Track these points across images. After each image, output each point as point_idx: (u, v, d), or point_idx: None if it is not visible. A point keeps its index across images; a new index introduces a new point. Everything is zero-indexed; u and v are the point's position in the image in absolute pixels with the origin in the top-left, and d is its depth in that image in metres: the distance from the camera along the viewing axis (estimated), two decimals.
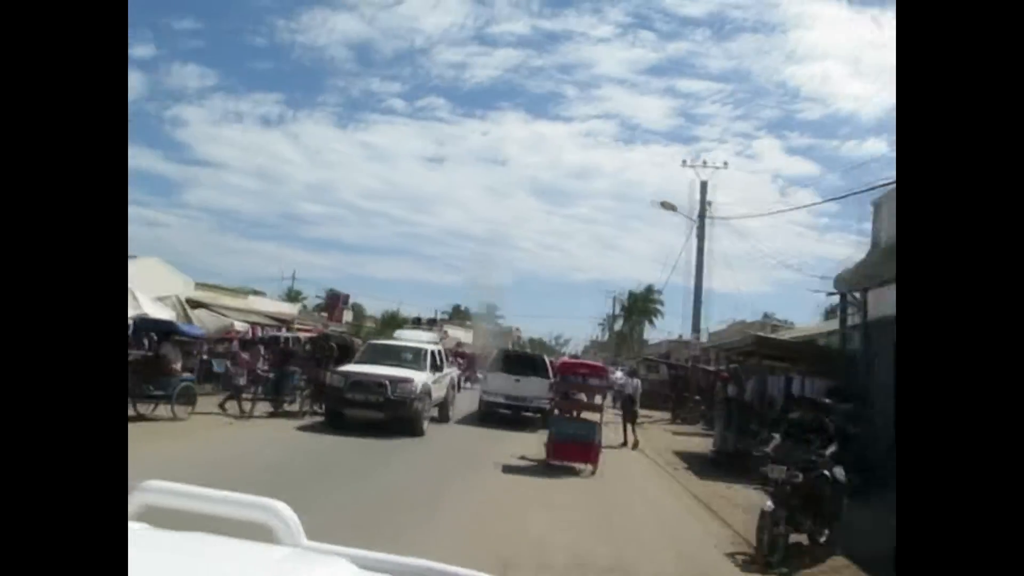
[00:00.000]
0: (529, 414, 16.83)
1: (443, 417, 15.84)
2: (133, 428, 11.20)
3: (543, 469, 10.98)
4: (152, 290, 16.53)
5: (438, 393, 15.08)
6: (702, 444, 16.14)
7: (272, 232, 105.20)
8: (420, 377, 13.81)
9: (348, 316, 41.21)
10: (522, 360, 19.48)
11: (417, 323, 35.98)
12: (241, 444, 11.20)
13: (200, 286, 23.11)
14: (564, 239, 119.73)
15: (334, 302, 40.78)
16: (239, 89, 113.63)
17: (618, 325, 74.09)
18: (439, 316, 76.57)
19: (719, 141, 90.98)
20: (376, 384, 13.14)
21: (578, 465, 10.94)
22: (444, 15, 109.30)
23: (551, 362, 19.58)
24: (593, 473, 10.84)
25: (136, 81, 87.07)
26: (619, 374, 33.79)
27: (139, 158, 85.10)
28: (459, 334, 58.78)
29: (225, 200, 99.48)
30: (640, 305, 68.77)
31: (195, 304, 19.50)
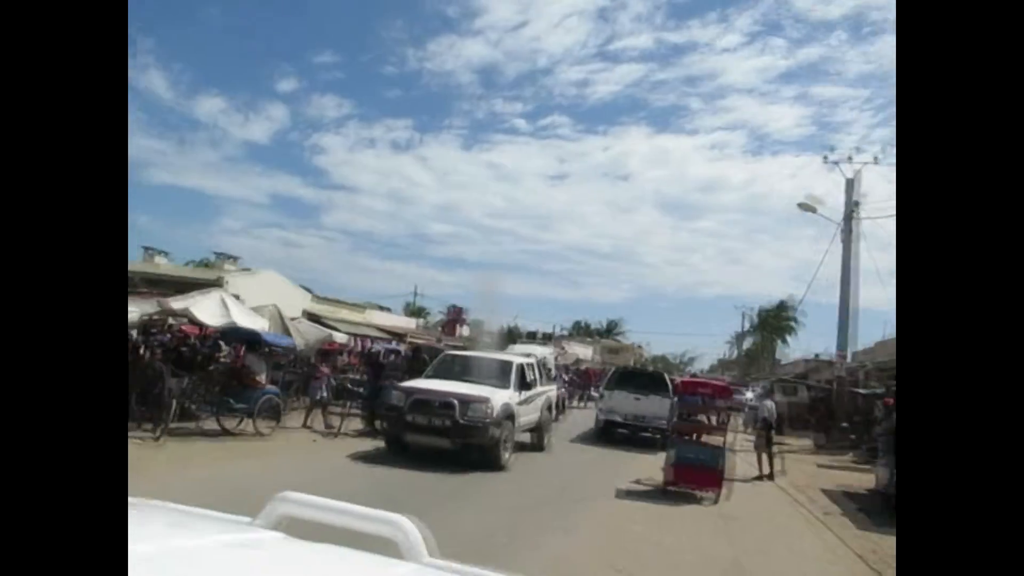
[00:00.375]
0: (648, 434, 16.11)
1: (538, 444, 13.34)
2: (210, 444, 10.59)
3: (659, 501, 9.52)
4: (269, 301, 16.50)
5: (528, 416, 12.40)
6: (856, 480, 13.56)
7: (403, 252, 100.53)
8: (500, 396, 11.02)
9: (466, 331, 40.99)
10: (642, 378, 18.60)
11: (532, 337, 34.77)
12: (303, 470, 9.63)
13: (318, 299, 23.30)
14: (690, 253, 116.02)
15: (454, 316, 40.64)
16: (372, 116, 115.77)
17: (748, 343, 69.59)
18: (559, 331, 76.86)
19: (857, 149, 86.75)
20: (442, 404, 10.48)
21: (699, 492, 10.12)
22: (566, 35, 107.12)
23: (672, 380, 18.10)
24: (716, 502, 9.94)
25: (280, 113, 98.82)
26: (750, 395, 31.06)
27: (283, 183, 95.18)
28: (578, 350, 57.28)
29: (359, 222, 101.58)
30: (772, 321, 64.15)
31: (312, 317, 19.46)
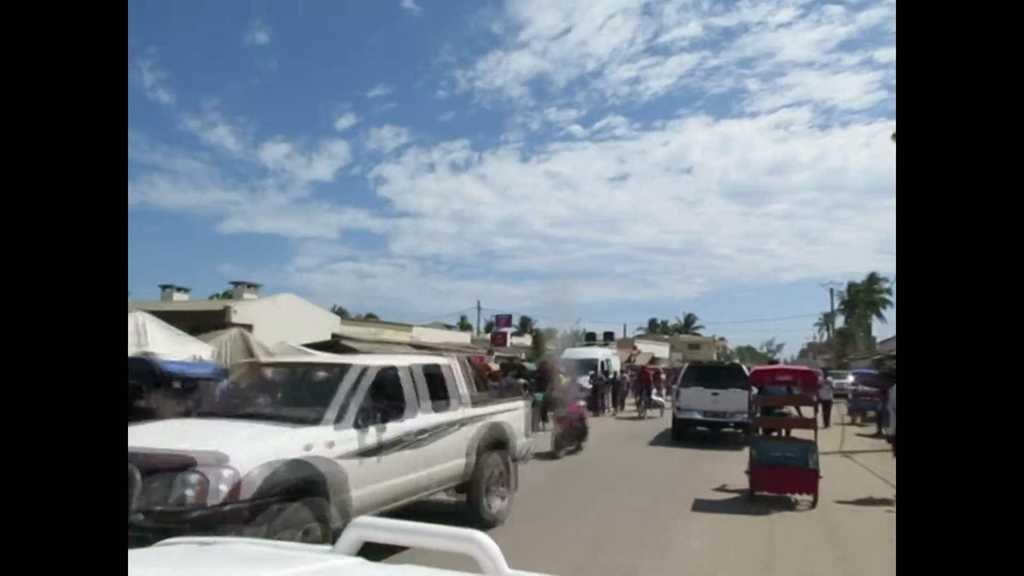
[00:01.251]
0: (730, 430, 15.39)
1: (474, 511, 6.98)
2: None
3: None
4: (288, 327, 15.39)
5: (398, 475, 5.88)
6: None
7: (471, 270, 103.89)
8: (261, 450, 4.71)
9: (525, 339, 39.03)
10: (718, 371, 17.17)
11: (591, 338, 32.85)
12: None
13: (351, 321, 22.13)
14: (764, 240, 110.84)
15: (503, 325, 37.88)
16: (429, 141, 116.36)
17: (840, 323, 64.73)
18: (636, 332, 74.44)
19: None
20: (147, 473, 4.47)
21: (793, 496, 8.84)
22: (612, 35, 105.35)
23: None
24: (814, 505, 8.60)
25: (342, 149, 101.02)
26: (851, 379, 27.69)
27: (350, 217, 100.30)
28: (653, 349, 54.71)
29: (426, 246, 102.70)
30: (864, 297, 59.24)
31: (338, 338, 18.33)
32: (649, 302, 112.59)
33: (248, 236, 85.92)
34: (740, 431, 14.35)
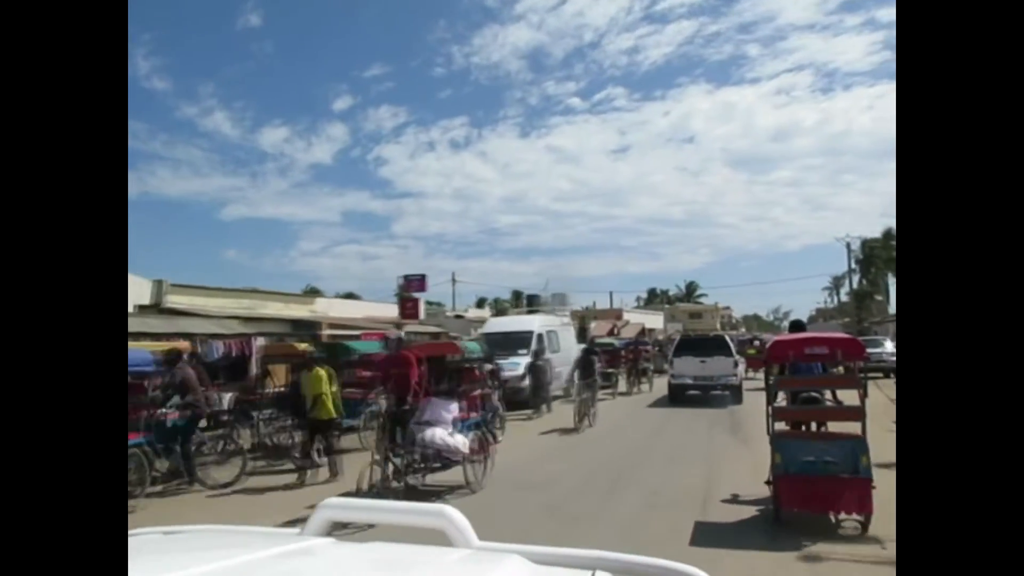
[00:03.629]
0: (718, 392, 17.63)
1: None
2: None
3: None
4: None
5: None
6: None
7: (475, 248, 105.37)
8: None
9: (483, 312, 32.32)
10: (706, 342, 19.41)
11: (533, 302, 24.32)
12: None
13: (178, 288, 16.13)
14: (769, 208, 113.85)
15: (412, 289, 26.87)
16: (428, 120, 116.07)
17: (854, 285, 58.91)
18: (635, 303, 69.45)
19: None
20: None
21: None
22: (609, 4, 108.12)
23: (732, 338, 21.30)
24: (865, 529, 5.96)
25: (340, 132, 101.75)
26: (889, 347, 22.18)
27: (352, 200, 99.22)
28: (643, 318, 49.12)
29: (431, 226, 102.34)
30: (882, 254, 53.22)
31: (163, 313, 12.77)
32: (655, 274, 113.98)
33: (251, 222, 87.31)
34: (727, 392, 17.34)
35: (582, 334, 36.45)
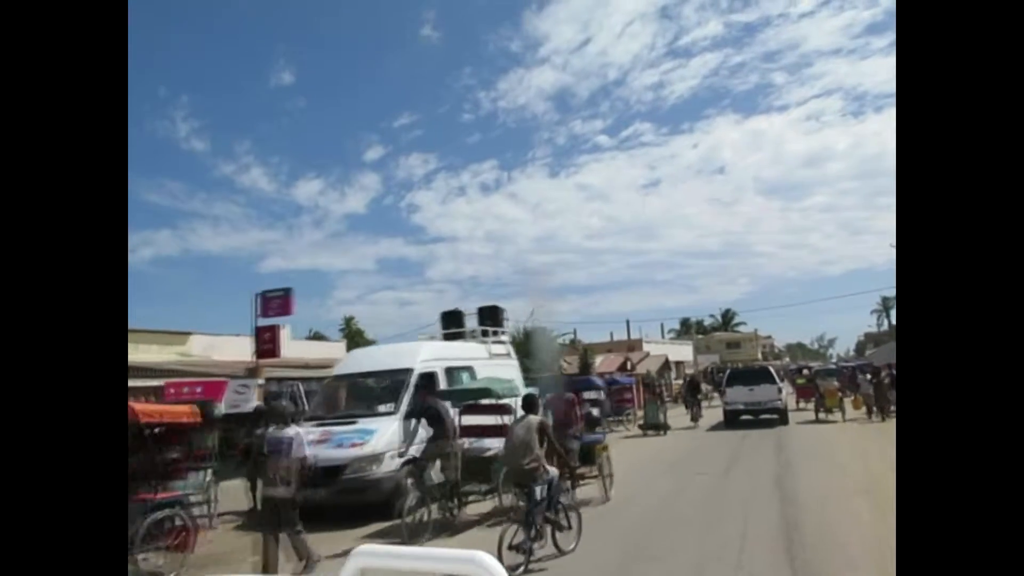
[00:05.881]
0: (766, 416, 19.92)
1: None
2: None
3: None
4: None
5: None
6: None
7: (509, 290, 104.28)
8: None
9: (316, 348, 23.68)
10: (752, 373, 21.61)
11: (452, 325, 13.50)
12: None
13: None
14: (806, 234, 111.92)
15: (272, 312, 16.73)
16: (458, 165, 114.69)
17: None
18: (672, 334, 63.48)
19: None
20: None
21: None
22: (632, 41, 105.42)
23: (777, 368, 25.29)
24: None
25: (372, 181, 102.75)
26: None
27: (386, 247, 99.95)
28: (667, 350, 43.54)
29: (464, 269, 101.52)
30: None
31: None
32: (692, 307, 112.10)
33: (288, 273, 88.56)
34: (775, 415, 19.78)
35: (584, 371, 31.50)
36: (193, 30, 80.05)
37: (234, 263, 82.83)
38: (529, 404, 7.07)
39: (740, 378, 20.89)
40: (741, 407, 20.13)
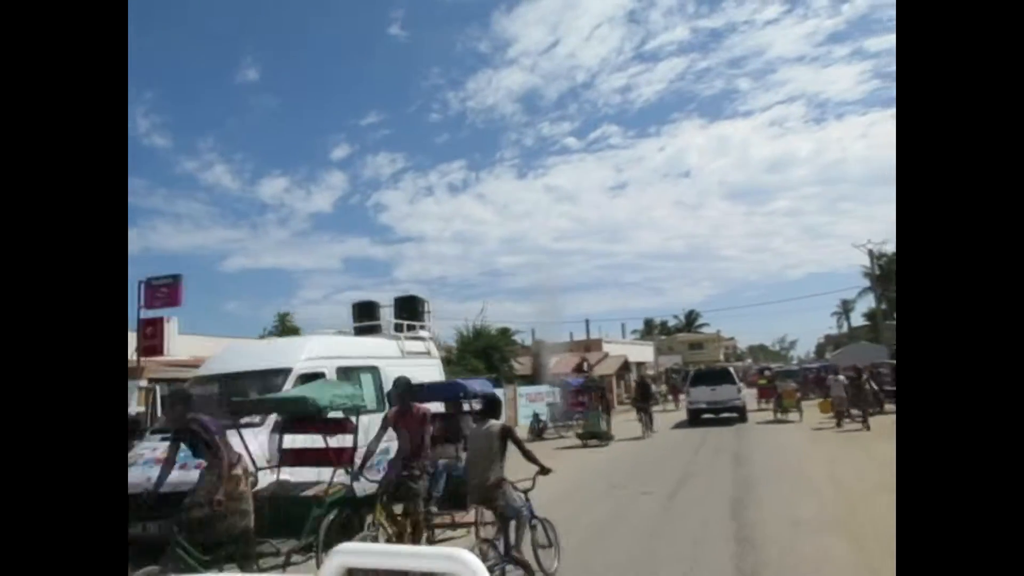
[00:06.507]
0: (726, 414, 21.45)
1: None
2: None
3: None
4: None
5: None
6: None
7: (477, 290, 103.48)
8: None
9: (200, 344, 17.14)
10: (714, 373, 23.02)
11: (365, 315, 11.32)
12: None
13: None
14: (769, 238, 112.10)
15: (156, 303, 14.17)
16: (426, 165, 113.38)
17: (864, 306, 52.25)
18: (631, 335, 62.18)
19: None
20: None
21: None
22: (600, 45, 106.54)
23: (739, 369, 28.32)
24: None
25: (339, 180, 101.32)
26: None
27: (352, 247, 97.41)
28: (629, 350, 42.10)
29: (432, 270, 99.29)
30: None
31: None
32: (658, 309, 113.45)
33: (252, 273, 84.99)
34: (735, 413, 21.38)
35: (538, 373, 29.82)
36: (157, 25, 78.78)
37: (197, 261, 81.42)
38: (490, 407, 5.90)
39: (703, 379, 22.45)
40: (704, 406, 21.64)
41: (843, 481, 9.86)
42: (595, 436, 17.24)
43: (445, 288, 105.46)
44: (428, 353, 10.87)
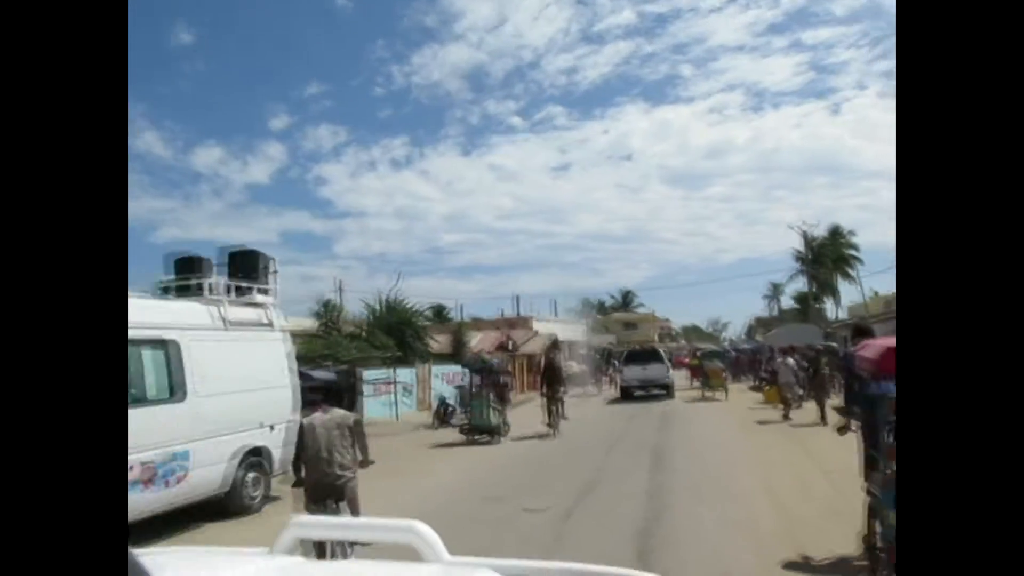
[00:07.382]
0: (656, 390, 23.31)
1: None
2: None
3: None
4: None
5: None
6: None
7: (420, 268, 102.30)
8: None
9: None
10: (645, 354, 25.32)
11: (184, 270, 8.51)
12: None
13: None
14: (705, 223, 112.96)
15: None
16: (369, 139, 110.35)
17: (792, 290, 52.28)
18: (563, 313, 60.94)
19: (859, 87, 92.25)
20: None
21: None
22: (547, 25, 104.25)
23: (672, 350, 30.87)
24: None
25: (277, 151, 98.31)
26: None
27: (291, 220, 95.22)
28: (560, 329, 40.49)
29: (373, 245, 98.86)
30: (830, 252, 46.14)
31: None
32: (598, 289, 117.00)
33: (184, 244, 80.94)
34: (664, 390, 23.30)
35: (458, 350, 27.64)
36: None
37: None
38: (333, 394, 6.10)
39: (635, 359, 24.72)
40: (636, 383, 23.58)
41: (780, 494, 8.03)
42: (482, 430, 14.26)
43: (386, 265, 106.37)
44: (268, 325, 8.53)
